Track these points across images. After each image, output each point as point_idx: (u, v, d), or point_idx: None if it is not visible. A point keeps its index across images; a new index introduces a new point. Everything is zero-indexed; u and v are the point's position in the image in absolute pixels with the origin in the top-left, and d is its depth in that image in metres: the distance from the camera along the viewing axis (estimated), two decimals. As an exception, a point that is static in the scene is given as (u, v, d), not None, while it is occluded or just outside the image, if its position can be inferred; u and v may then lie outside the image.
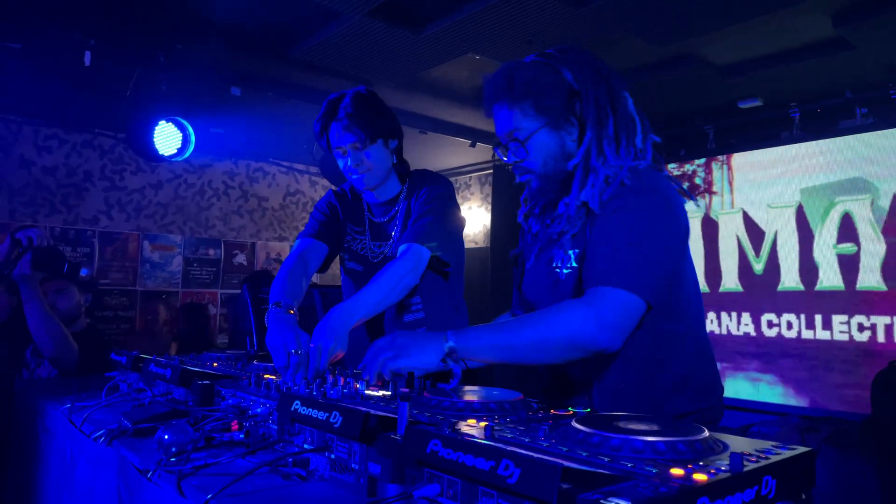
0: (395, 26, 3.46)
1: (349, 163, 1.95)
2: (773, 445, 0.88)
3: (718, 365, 1.54)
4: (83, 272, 2.87)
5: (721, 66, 4.12)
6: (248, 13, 3.44)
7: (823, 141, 4.62)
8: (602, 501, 0.63)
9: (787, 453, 0.84)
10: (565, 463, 0.67)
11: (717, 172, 5.14)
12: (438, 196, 1.98)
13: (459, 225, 2.07)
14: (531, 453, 0.72)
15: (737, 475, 0.74)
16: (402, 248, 1.87)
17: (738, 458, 0.76)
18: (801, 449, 0.87)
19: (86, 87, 4.36)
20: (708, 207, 5.16)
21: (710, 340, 1.53)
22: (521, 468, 0.68)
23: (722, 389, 1.52)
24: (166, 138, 3.96)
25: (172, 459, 1.12)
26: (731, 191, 5.06)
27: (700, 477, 0.71)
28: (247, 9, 3.38)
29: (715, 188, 5.13)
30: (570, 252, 1.43)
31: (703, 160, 5.19)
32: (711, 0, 3.15)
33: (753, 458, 0.80)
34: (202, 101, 4.40)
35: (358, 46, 3.72)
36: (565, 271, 1.44)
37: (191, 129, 4.01)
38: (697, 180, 5.23)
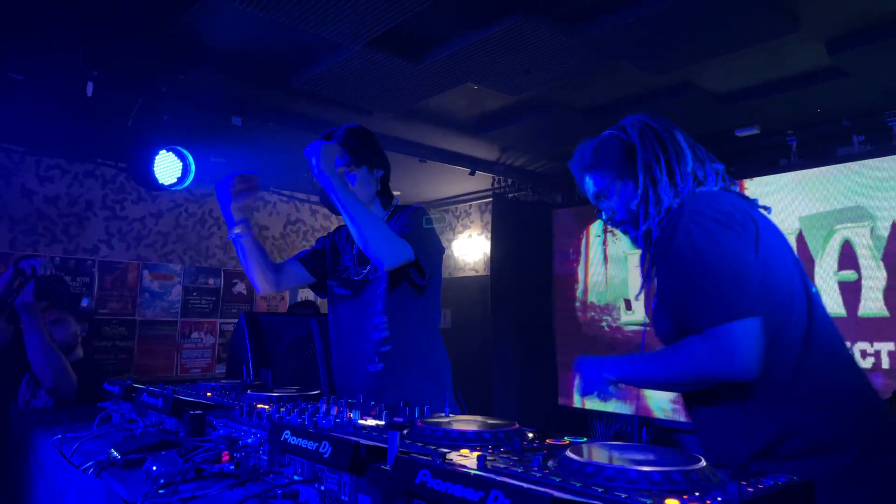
0: (395, 57, 3.50)
1: None
2: (771, 475, 0.86)
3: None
4: (84, 302, 2.88)
5: (717, 95, 4.16)
6: (249, 44, 3.49)
7: (822, 168, 4.63)
8: (593, 534, 0.61)
9: (785, 484, 0.82)
10: (556, 493, 0.65)
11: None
12: (416, 222, 2.10)
13: (437, 245, 2.17)
14: (522, 483, 0.70)
15: (733, 506, 0.72)
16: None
17: (734, 489, 0.74)
18: (800, 479, 0.85)
19: (88, 118, 4.40)
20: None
21: (837, 340, 1.39)
22: (511, 499, 0.66)
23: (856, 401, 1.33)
24: (166, 167, 3.98)
25: (160, 491, 1.10)
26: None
27: (695, 508, 0.69)
28: (248, 39, 3.43)
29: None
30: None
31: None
32: (706, 29, 3.19)
33: (751, 489, 0.78)
34: (203, 131, 4.43)
35: (358, 76, 3.76)
36: (653, 306, 1.55)
37: (191, 159, 4.03)
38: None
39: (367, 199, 2.17)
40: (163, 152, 3.97)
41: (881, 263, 4.30)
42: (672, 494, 0.75)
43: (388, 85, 3.88)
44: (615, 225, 1.66)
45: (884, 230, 4.30)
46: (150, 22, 3.20)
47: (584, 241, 6.03)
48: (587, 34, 3.24)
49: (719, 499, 0.74)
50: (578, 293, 6.01)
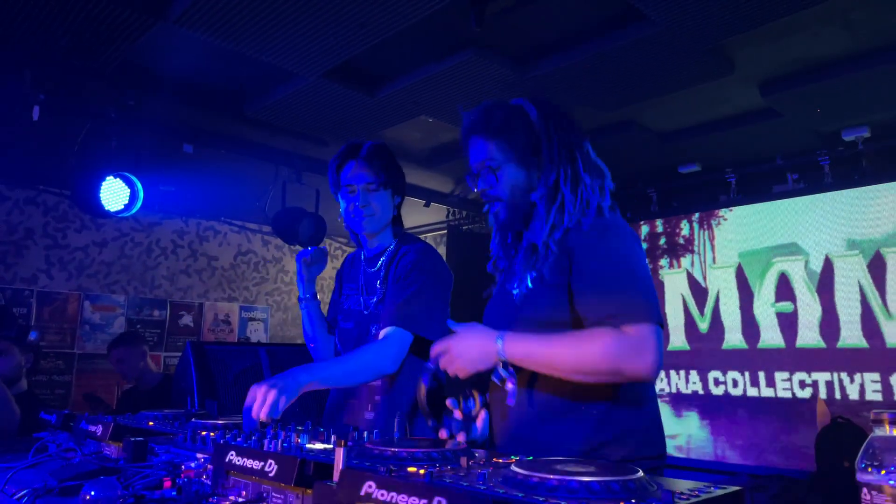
0: (350, 88, 3.55)
1: (357, 202, 1.98)
2: (704, 485, 0.89)
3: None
4: (32, 335, 2.80)
5: (660, 133, 4.34)
6: (202, 71, 3.49)
7: (759, 204, 4.86)
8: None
9: (717, 492, 0.86)
10: (497, 495, 0.67)
11: (698, 231, 5.22)
12: (422, 268, 1.94)
13: (446, 294, 2.00)
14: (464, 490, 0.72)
15: (667, 511, 0.75)
16: (387, 329, 1.86)
17: (668, 496, 0.77)
18: (732, 488, 0.88)
19: (33, 142, 4.29)
20: (691, 265, 5.23)
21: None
22: (454, 503, 0.68)
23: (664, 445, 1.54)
24: (113, 194, 3.88)
25: (98, 517, 1.07)
26: (713, 248, 5.11)
27: (631, 513, 0.72)
28: (201, 66, 3.42)
29: (695, 247, 5.20)
30: (527, 275, 1.50)
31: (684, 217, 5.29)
32: (646, 71, 3.34)
33: (685, 497, 0.82)
34: (153, 158, 4.36)
35: (313, 107, 3.79)
36: (514, 292, 1.51)
37: (139, 185, 3.95)
38: (680, 240, 5.34)
39: (384, 224, 2.04)
40: (110, 178, 3.88)
41: (816, 296, 4.50)
42: (610, 502, 0.78)
43: (343, 116, 3.92)
44: (488, 201, 1.60)
45: (816, 264, 4.52)
46: (102, 47, 3.17)
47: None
48: (537, 72, 3.36)
49: (654, 505, 0.77)
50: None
